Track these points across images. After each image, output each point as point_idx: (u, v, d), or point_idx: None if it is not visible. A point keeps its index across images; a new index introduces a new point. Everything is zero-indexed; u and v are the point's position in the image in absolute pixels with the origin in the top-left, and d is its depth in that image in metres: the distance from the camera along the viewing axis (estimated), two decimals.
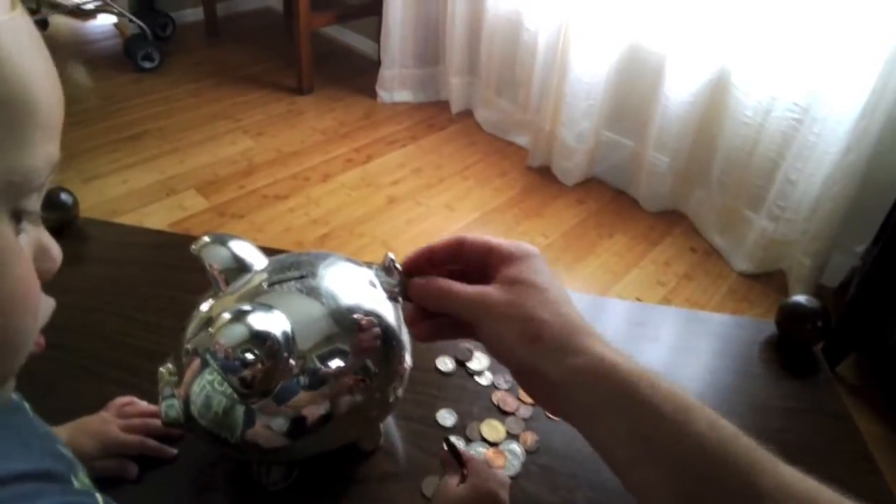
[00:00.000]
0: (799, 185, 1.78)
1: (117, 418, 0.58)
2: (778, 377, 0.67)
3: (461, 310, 0.40)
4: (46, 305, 0.34)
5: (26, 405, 0.39)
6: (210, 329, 0.45)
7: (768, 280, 1.94)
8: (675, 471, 0.33)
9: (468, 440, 0.58)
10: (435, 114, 2.78)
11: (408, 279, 0.42)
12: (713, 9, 1.83)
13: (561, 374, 0.35)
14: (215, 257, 0.51)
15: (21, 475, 0.31)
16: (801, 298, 0.71)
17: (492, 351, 0.39)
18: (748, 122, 1.86)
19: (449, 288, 0.40)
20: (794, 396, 0.65)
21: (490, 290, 0.39)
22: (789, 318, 0.71)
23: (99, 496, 0.35)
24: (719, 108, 1.94)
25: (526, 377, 0.38)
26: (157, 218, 2.05)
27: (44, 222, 0.87)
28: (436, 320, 0.42)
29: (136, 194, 2.15)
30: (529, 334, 0.36)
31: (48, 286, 0.35)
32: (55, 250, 0.35)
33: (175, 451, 0.58)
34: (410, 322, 0.43)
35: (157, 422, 0.53)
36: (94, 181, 2.19)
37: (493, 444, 0.58)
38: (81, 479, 0.36)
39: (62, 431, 0.54)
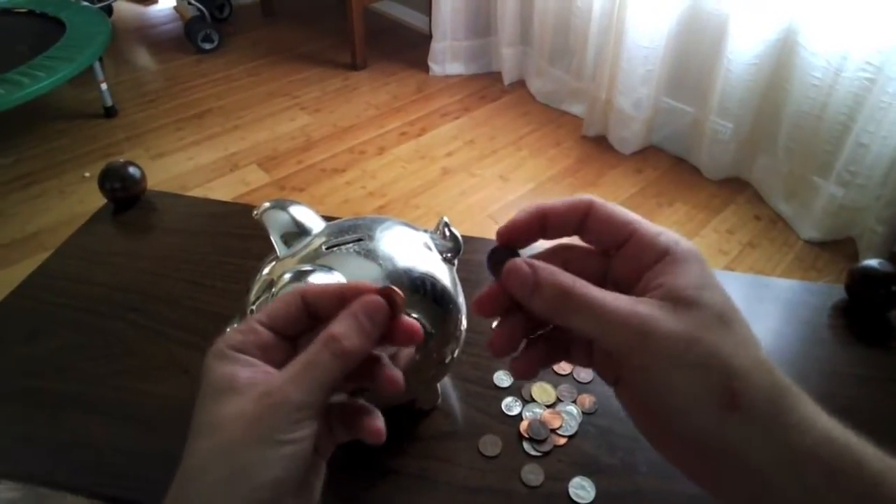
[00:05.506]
0: (871, 149, 1.68)
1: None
2: (848, 344, 0.65)
3: (606, 333, 0.25)
4: None
5: None
6: (273, 290, 0.47)
7: (837, 248, 1.86)
8: None
9: (525, 401, 0.59)
10: (487, 85, 2.76)
11: (508, 258, 0.26)
12: None
13: (773, 456, 0.24)
14: (276, 221, 0.53)
15: None
16: (873, 262, 0.67)
17: (645, 410, 0.26)
18: (817, 84, 1.77)
19: (586, 293, 0.25)
20: (865, 364, 0.63)
21: (654, 311, 0.26)
22: (860, 282, 0.67)
23: None
24: (786, 69, 1.85)
25: (709, 457, 0.25)
26: (221, 192, 2.13)
27: (114, 195, 0.90)
28: (538, 344, 0.28)
29: (202, 170, 2.23)
30: (726, 395, 0.24)
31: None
32: None
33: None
34: (500, 345, 0.27)
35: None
36: (162, 158, 2.28)
37: (549, 406, 0.58)
38: None
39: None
